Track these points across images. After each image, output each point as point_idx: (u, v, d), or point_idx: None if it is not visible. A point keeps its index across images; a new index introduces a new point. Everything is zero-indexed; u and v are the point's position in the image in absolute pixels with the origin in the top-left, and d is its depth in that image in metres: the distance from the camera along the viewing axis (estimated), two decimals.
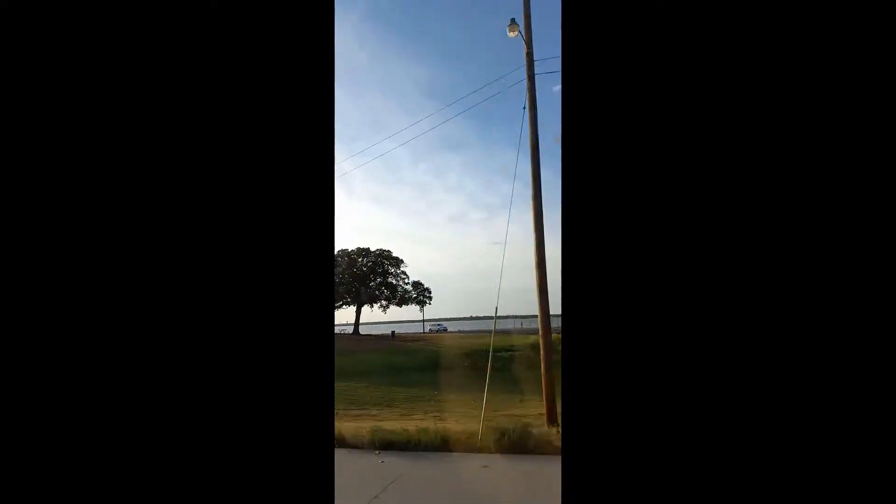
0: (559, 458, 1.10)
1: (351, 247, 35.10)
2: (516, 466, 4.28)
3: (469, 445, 4.73)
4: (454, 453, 4.66)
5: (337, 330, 33.82)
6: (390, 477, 3.98)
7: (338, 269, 32.49)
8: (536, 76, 6.52)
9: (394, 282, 35.20)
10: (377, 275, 34.50)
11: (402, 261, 35.16)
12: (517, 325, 31.69)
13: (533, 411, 7.07)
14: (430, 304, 36.45)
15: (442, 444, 4.79)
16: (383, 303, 35.21)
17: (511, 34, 6.72)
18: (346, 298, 33.79)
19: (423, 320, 39.56)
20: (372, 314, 36.40)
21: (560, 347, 1.19)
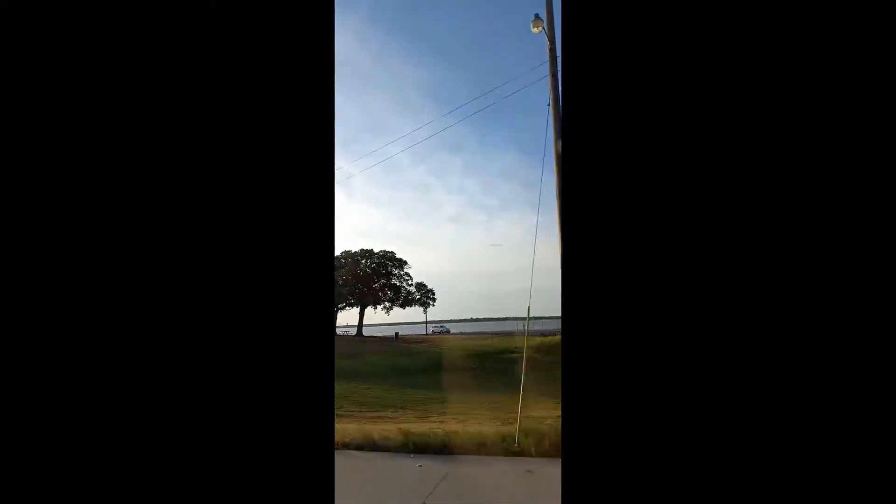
0: None
1: (354, 248, 35.04)
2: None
3: (505, 449, 4.60)
4: (491, 457, 4.52)
5: (340, 331, 33.74)
6: (432, 482, 3.85)
7: (342, 271, 32.37)
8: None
9: (397, 283, 35.17)
10: (381, 276, 34.41)
11: (405, 262, 35.17)
12: (519, 326, 31.64)
13: (554, 413, 6.96)
14: (433, 305, 36.42)
15: (479, 448, 4.65)
16: (387, 304, 35.14)
17: (535, 30, 6.61)
18: (349, 300, 33.68)
19: (426, 322, 39.46)
20: (375, 316, 36.35)
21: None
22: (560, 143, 6.17)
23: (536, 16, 6.71)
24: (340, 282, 32.19)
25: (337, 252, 32.57)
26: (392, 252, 35.07)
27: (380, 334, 35.55)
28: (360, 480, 4.03)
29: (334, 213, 1.13)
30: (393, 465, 4.48)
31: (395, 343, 29.03)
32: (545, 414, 7.19)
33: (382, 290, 34.60)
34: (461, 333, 35.88)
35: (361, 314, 34.55)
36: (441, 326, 40.60)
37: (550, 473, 3.92)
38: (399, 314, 36.58)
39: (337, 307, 33.24)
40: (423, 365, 18.61)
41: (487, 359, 19.56)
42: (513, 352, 19.68)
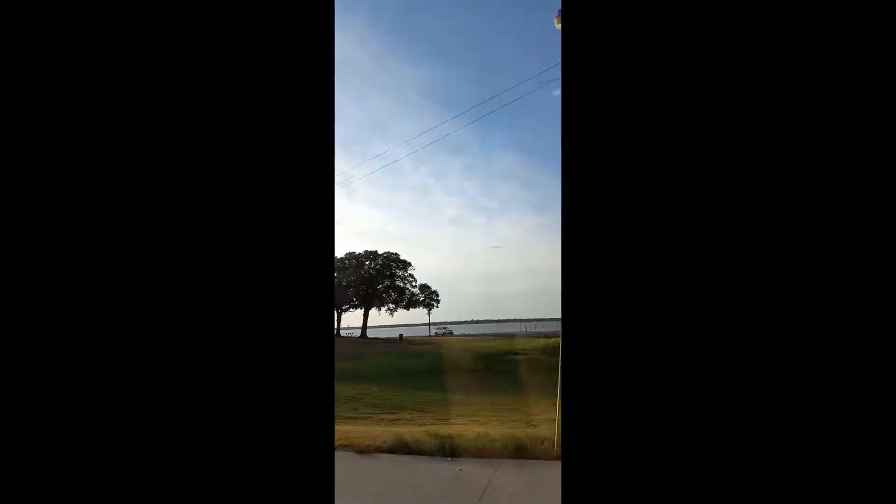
0: None
1: (356, 250, 34.91)
2: None
3: (545, 452, 4.51)
4: (532, 461, 4.43)
5: (344, 333, 33.57)
6: (479, 488, 3.76)
7: (346, 272, 32.24)
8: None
9: (401, 285, 35.04)
10: (385, 278, 34.29)
11: (409, 263, 35.08)
12: (521, 328, 31.59)
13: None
14: (437, 307, 36.30)
15: (517, 452, 4.55)
16: (391, 306, 35.02)
17: (559, 26, 6.61)
18: (353, 301, 33.54)
19: (429, 323, 39.35)
20: (379, 317, 36.21)
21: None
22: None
23: (560, 11, 6.68)
24: (345, 283, 32.09)
25: (340, 253, 32.50)
26: (396, 253, 35.01)
27: (383, 336, 35.41)
28: (406, 485, 3.94)
29: (334, 214, 1.13)
30: (431, 469, 4.39)
31: (399, 345, 28.94)
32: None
33: (387, 292, 34.51)
34: (464, 335, 35.78)
35: (365, 316, 34.49)
36: (444, 328, 40.49)
37: None
38: (402, 316, 36.47)
39: (341, 309, 33.12)
40: (429, 366, 18.54)
41: (492, 360, 19.53)
42: (517, 353, 19.65)
